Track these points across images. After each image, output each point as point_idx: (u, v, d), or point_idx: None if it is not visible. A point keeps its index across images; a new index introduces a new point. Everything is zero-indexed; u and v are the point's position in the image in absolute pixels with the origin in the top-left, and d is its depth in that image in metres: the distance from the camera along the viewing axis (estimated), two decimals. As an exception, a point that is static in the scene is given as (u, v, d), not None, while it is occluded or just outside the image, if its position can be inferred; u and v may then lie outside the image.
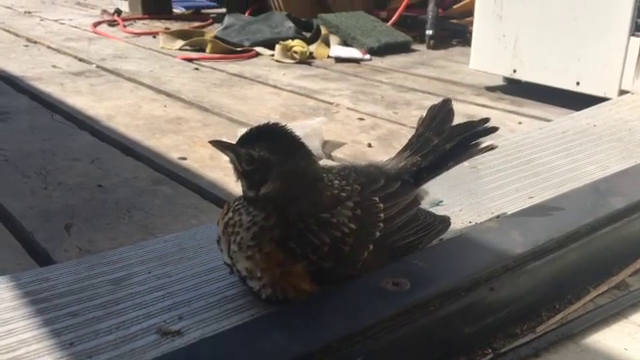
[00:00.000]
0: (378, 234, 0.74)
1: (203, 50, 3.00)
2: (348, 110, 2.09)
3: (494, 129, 0.84)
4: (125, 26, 3.67)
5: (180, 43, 3.09)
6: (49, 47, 3.08)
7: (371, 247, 0.73)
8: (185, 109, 2.08)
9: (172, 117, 1.98)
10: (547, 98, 2.12)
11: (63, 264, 0.83)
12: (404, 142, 0.87)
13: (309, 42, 3.03)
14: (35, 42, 3.20)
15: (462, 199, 1.00)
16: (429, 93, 2.33)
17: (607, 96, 1.83)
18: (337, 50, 2.97)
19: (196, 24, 3.75)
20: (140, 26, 3.77)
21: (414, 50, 3.17)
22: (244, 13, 3.59)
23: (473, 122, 0.85)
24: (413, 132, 0.87)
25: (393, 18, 3.38)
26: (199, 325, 0.68)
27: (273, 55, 2.92)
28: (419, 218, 0.80)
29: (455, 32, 3.36)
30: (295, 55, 2.86)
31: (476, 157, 0.88)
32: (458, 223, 0.91)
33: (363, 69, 2.78)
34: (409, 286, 0.70)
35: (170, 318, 0.69)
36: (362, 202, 0.74)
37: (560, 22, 1.97)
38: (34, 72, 2.53)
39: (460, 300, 0.71)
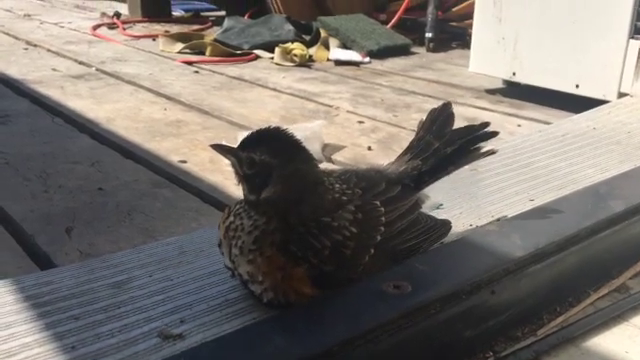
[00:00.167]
0: (379, 238, 0.74)
1: (203, 53, 3.00)
2: (348, 113, 2.09)
3: (494, 133, 0.85)
4: (124, 29, 3.67)
5: (180, 46, 3.10)
6: (49, 50, 3.08)
7: (372, 251, 0.73)
8: (185, 112, 2.08)
9: (172, 120, 1.98)
10: (546, 101, 2.12)
11: (64, 267, 0.83)
12: (404, 145, 0.88)
13: (309, 45, 3.03)
14: (35, 45, 3.20)
15: (462, 202, 1.00)
16: (429, 96, 2.33)
17: (606, 99, 1.83)
18: (337, 53, 2.97)
19: (196, 27, 3.74)
20: (139, 29, 3.77)
21: (414, 53, 3.17)
22: (244, 16, 3.58)
23: (474, 126, 0.85)
24: (413, 135, 0.87)
25: (393, 21, 3.38)
26: (200, 329, 0.68)
27: (273, 58, 2.92)
28: (420, 222, 0.80)
29: (455, 35, 3.35)
30: (295, 58, 2.86)
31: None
32: (459, 226, 0.91)
33: (363, 72, 2.78)
34: (410, 289, 0.70)
35: (171, 321, 0.69)
36: (363, 206, 0.74)
37: (559, 25, 1.97)
38: (34, 75, 2.53)
39: (461, 303, 0.71)
